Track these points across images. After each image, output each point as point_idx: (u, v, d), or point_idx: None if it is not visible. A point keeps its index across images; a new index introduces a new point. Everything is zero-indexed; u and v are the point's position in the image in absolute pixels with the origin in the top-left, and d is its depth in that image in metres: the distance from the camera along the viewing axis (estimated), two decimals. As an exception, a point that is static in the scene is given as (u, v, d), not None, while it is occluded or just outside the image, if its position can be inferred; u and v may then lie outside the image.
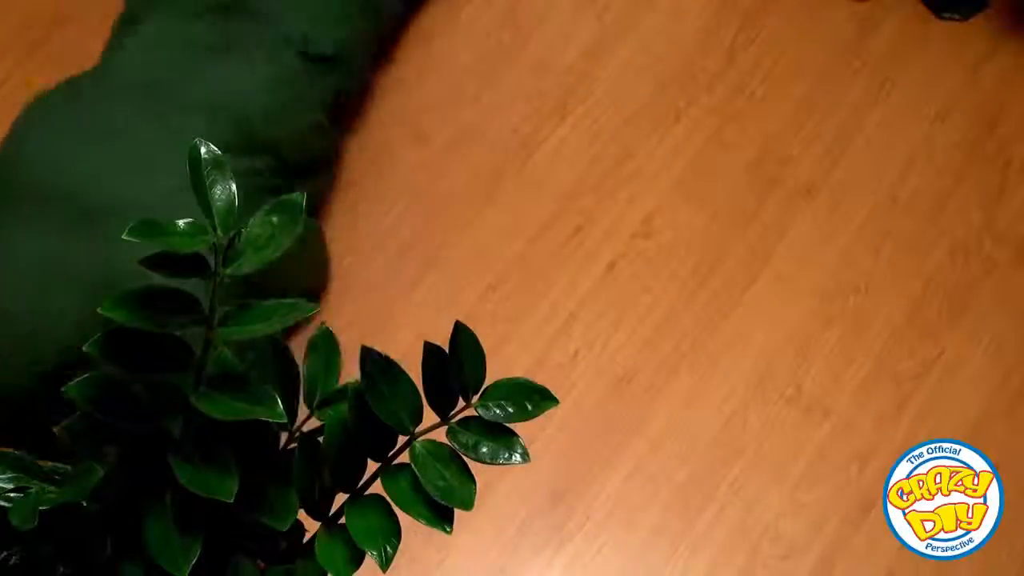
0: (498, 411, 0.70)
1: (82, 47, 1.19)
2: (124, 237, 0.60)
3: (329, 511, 0.71)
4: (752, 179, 1.43)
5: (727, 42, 1.53)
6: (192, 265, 0.63)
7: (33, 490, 0.62)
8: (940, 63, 1.51)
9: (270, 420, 0.63)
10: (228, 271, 0.63)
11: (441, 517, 0.67)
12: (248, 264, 0.63)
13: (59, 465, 0.65)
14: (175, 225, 0.62)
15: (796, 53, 1.52)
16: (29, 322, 1.05)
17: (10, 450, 0.65)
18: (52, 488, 0.63)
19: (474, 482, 0.69)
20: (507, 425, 0.70)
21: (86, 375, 0.63)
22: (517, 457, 0.69)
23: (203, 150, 0.64)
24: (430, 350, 0.69)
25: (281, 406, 0.64)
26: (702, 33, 1.54)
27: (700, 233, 1.39)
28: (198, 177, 0.64)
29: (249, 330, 0.63)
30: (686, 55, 1.52)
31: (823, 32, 1.54)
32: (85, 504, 0.65)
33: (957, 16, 1.54)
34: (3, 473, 0.63)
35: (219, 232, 0.62)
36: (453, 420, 0.70)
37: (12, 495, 0.62)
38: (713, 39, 1.53)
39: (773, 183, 1.42)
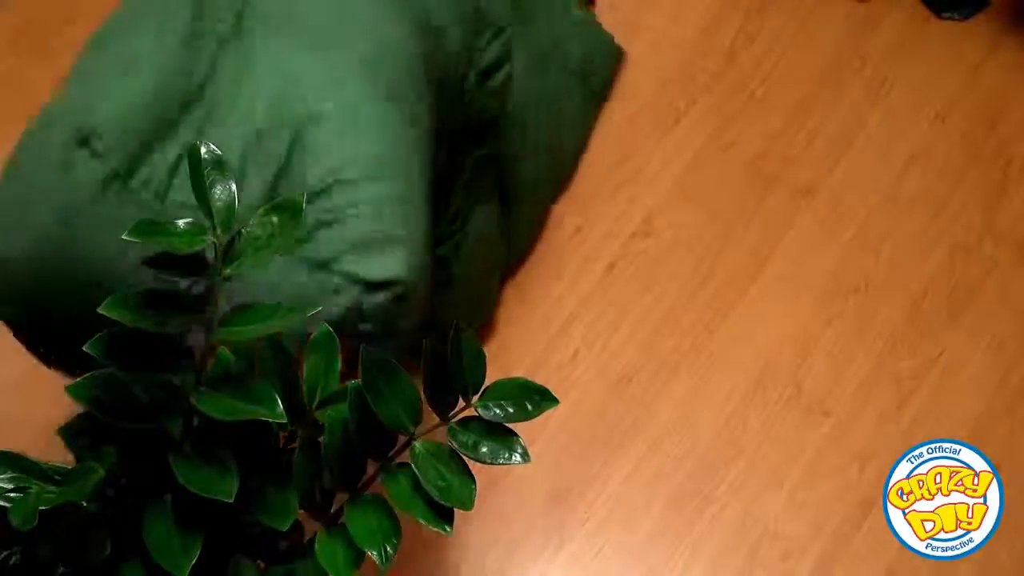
0: (498, 411, 0.70)
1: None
2: (124, 237, 0.60)
3: (329, 511, 0.71)
4: (752, 179, 1.43)
5: (727, 42, 1.53)
6: (192, 265, 0.63)
7: (33, 490, 0.62)
8: (940, 63, 1.51)
9: (270, 420, 0.63)
10: (228, 271, 0.63)
11: (441, 517, 0.68)
12: (248, 264, 0.63)
13: (59, 465, 0.65)
14: (175, 225, 0.62)
15: (796, 53, 1.52)
16: None
17: (10, 450, 0.65)
18: (52, 488, 0.63)
19: (474, 482, 0.69)
20: (507, 425, 0.70)
21: (86, 375, 0.63)
22: (517, 457, 0.69)
23: (203, 150, 0.64)
24: (430, 350, 0.69)
25: (281, 406, 0.64)
26: (702, 33, 1.54)
27: (700, 233, 1.39)
28: (198, 177, 0.64)
29: (249, 330, 0.63)
30: (686, 55, 1.52)
31: (823, 32, 1.54)
32: (85, 504, 0.65)
33: (957, 16, 1.54)
34: (3, 473, 0.63)
35: (219, 232, 0.62)
36: (453, 420, 0.70)
37: (12, 495, 0.62)
38: (713, 39, 1.53)
39: (773, 183, 1.42)
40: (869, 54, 1.52)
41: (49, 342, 0.92)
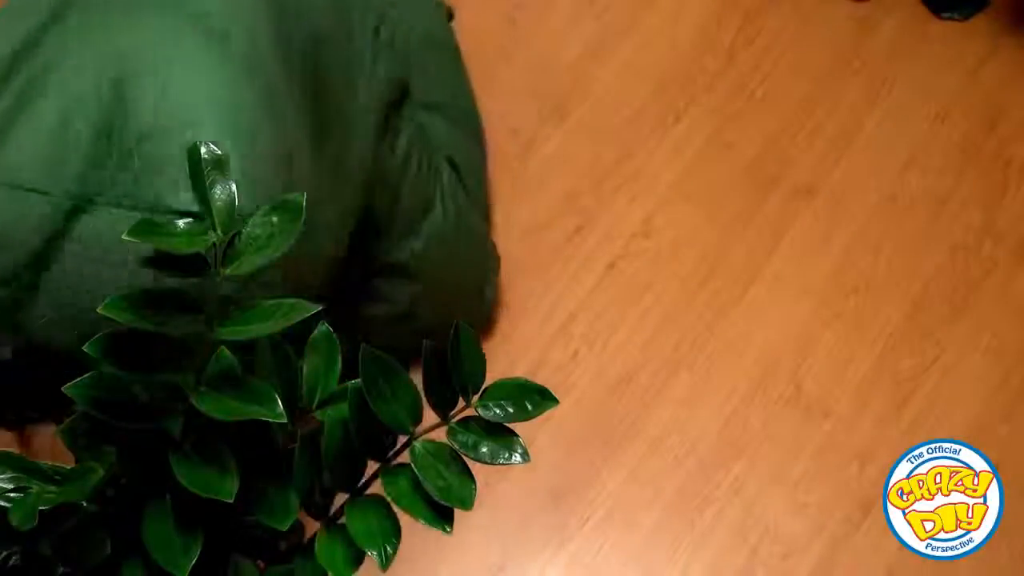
0: (498, 411, 0.70)
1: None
2: (124, 237, 0.60)
3: (329, 511, 0.71)
4: (752, 179, 1.43)
5: (727, 42, 1.53)
6: (192, 265, 0.63)
7: (33, 490, 0.62)
8: (940, 63, 1.51)
9: (270, 420, 0.63)
10: (228, 271, 0.63)
11: (441, 517, 0.67)
12: (248, 264, 0.63)
13: (59, 465, 0.65)
14: (175, 225, 0.62)
15: (796, 53, 1.52)
16: None
17: (10, 450, 0.65)
18: (52, 488, 0.63)
19: (474, 482, 0.69)
20: (507, 425, 0.70)
21: (86, 375, 0.63)
22: (517, 457, 0.69)
23: (203, 150, 0.64)
24: (430, 350, 0.69)
25: (281, 406, 0.64)
26: (702, 33, 1.54)
27: (700, 233, 1.39)
28: (198, 177, 0.64)
29: (249, 330, 0.63)
30: (686, 55, 1.52)
31: (823, 32, 1.54)
32: (85, 504, 0.65)
33: (957, 16, 1.54)
34: (3, 473, 0.63)
35: (219, 232, 0.62)
36: (453, 420, 0.70)
37: (12, 495, 0.62)
38: (713, 39, 1.53)
39: (773, 183, 1.42)
40: (869, 54, 1.52)
41: None
